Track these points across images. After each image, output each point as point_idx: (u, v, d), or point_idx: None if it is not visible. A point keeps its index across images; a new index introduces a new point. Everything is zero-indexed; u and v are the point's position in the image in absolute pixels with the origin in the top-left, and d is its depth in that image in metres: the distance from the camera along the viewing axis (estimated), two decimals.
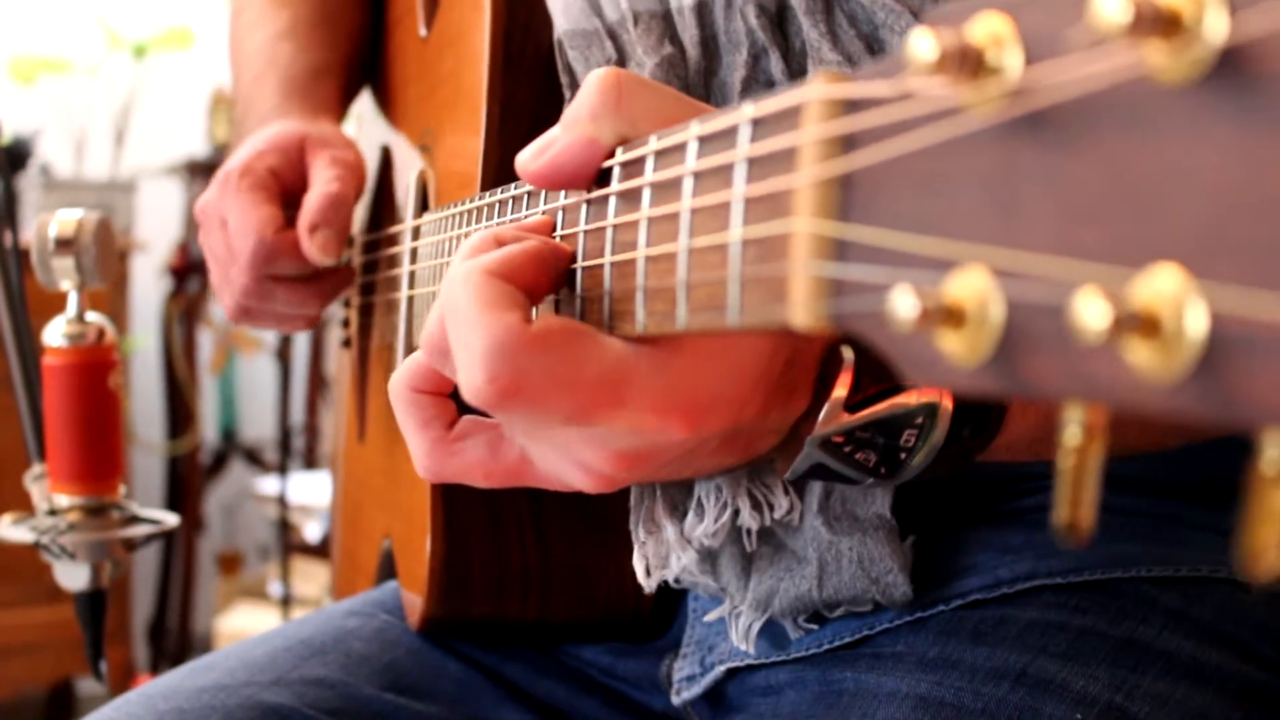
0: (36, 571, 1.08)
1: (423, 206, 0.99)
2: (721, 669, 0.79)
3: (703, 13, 0.72)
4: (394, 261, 1.01)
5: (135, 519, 0.98)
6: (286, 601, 2.87)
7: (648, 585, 0.71)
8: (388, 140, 1.16)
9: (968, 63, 0.32)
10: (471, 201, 0.76)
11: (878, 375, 0.56)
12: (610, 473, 0.54)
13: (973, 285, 0.32)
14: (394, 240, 1.02)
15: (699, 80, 0.72)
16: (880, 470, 0.58)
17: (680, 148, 0.48)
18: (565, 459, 0.55)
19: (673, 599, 0.86)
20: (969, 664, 0.69)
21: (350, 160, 0.99)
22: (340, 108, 1.12)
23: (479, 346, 0.49)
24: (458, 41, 0.90)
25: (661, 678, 0.84)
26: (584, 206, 0.57)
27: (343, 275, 1.05)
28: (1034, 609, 0.72)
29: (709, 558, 0.72)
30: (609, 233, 0.54)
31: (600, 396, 0.49)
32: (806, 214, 0.39)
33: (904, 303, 0.33)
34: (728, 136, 0.45)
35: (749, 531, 0.70)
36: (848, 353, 0.55)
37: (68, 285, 0.95)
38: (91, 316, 0.96)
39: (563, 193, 0.60)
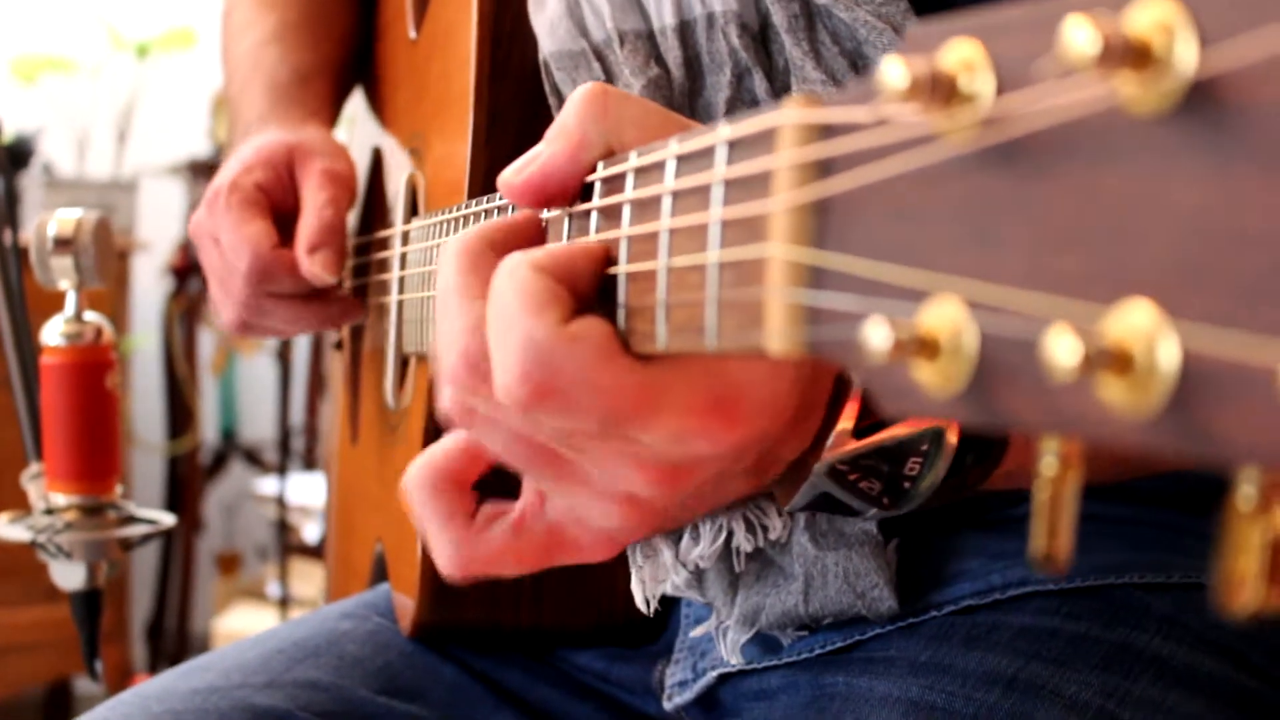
0: (34, 570, 1.08)
1: (412, 211, 0.99)
2: (714, 674, 0.79)
3: (685, 33, 0.71)
4: (384, 266, 1.01)
5: (132, 519, 0.98)
6: (285, 602, 2.87)
7: (646, 609, 0.71)
8: (379, 142, 1.16)
9: (940, 90, 0.32)
10: (459, 209, 0.76)
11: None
12: (648, 495, 0.51)
13: (947, 316, 0.32)
14: (384, 244, 1.02)
15: (684, 101, 0.71)
16: (884, 500, 0.57)
17: (659, 166, 0.48)
18: (598, 498, 0.52)
19: (665, 605, 0.86)
20: (961, 669, 0.69)
21: (341, 172, 0.99)
22: (330, 110, 1.11)
23: (515, 344, 0.47)
24: (446, 45, 0.90)
25: (654, 683, 0.84)
26: (566, 220, 0.56)
27: (348, 304, 1.04)
28: (1026, 615, 0.72)
29: (696, 574, 0.72)
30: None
31: (636, 401, 0.47)
32: (781, 239, 0.38)
33: (877, 333, 0.33)
34: (705, 156, 0.44)
35: (740, 552, 0.70)
36: (856, 378, 0.54)
37: (66, 285, 0.95)
38: (90, 316, 0.97)
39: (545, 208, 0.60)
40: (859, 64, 0.66)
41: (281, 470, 2.93)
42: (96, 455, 0.97)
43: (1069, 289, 0.29)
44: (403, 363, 0.99)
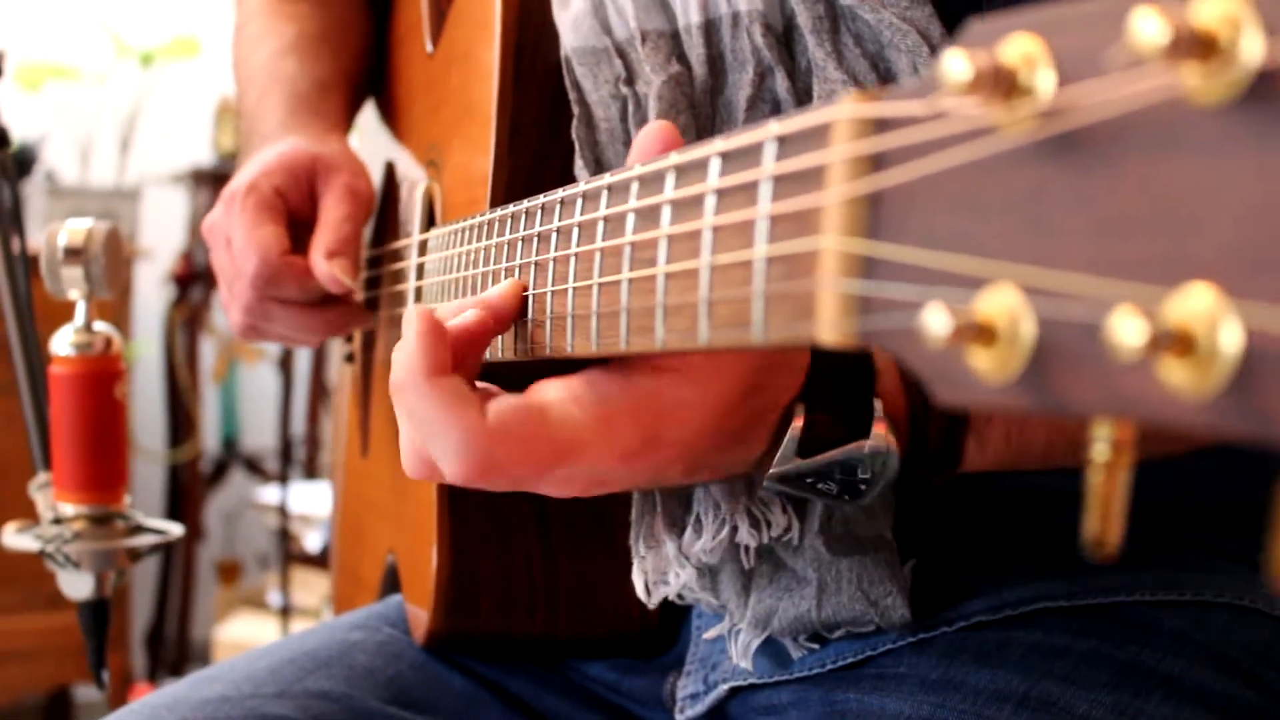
0: (36, 577, 1.08)
1: (429, 222, 0.99)
2: (724, 688, 0.79)
3: (710, 31, 0.72)
4: (399, 277, 1.01)
5: (140, 528, 0.98)
6: (285, 611, 2.87)
7: (648, 601, 0.71)
8: (391, 154, 1.16)
9: (1001, 83, 0.32)
10: (481, 216, 0.76)
11: (836, 425, 0.62)
12: (573, 494, 0.63)
13: (1004, 303, 0.33)
14: (398, 256, 1.02)
15: (705, 99, 0.72)
16: (844, 497, 0.63)
17: (702, 164, 0.48)
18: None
19: (677, 616, 0.86)
20: (972, 686, 0.69)
21: (362, 190, 0.99)
22: (346, 123, 1.11)
23: (452, 446, 0.59)
24: (466, 58, 0.90)
25: (665, 696, 0.84)
26: (601, 224, 0.57)
27: (354, 311, 1.04)
28: (1037, 631, 0.72)
29: (709, 575, 0.72)
30: (626, 250, 0.54)
31: (556, 462, 0.59)
32: (835, 231, 0.39)
33: (936, 320, 0.33)
34: (752, 154, 0.45)
35: (747, 549, 0.70)
36: (798, 409, 0.62)
37: (76, 294, 0.95)
38: (99, 326, 0.96)
39: (578, 208, 0.60)
40: (880, 66, 0.67)
41: (283, 479, 2.93)
42: (105, 465, 0.97)
43: (1130, 273, 0.30)
44: None
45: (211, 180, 3.10)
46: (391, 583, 1.02)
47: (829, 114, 0.40)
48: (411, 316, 0.61)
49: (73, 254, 0.94)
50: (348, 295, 0.99)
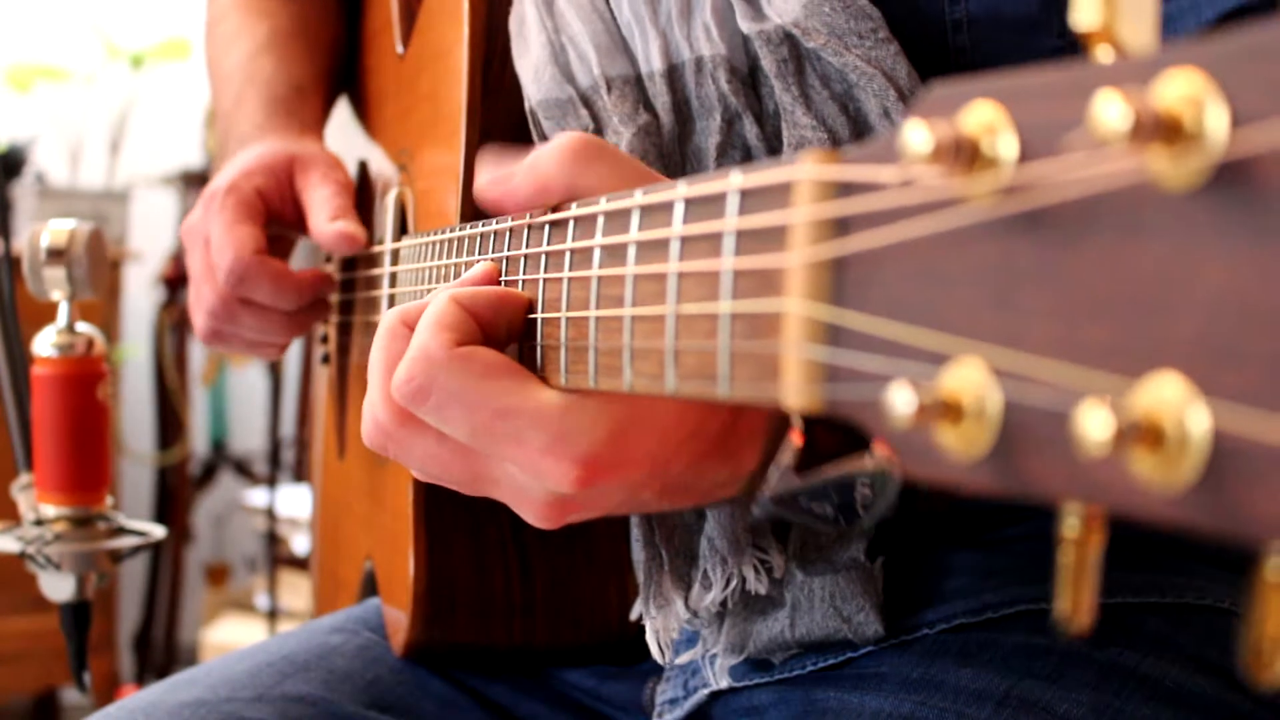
0: (22, 580, 1.07)
1: (401, 227, 0.99)
2: (705, 692, 0.78)
3: (674, 77, 0.71)
4: (373, 283, 1.00)
5: (122, 530, 0.97)
6: (273, 614, 2.87)
7: (664, 662, 0.72)
8: (364, 153, 1.15)
9: (962, 154, 0.32)
10: (451, 231, 0.76)
11: (834, 437, 0.57)
12: (537, 518, 0.59)
13: (970, 380, 0.32)
14: (373, 260, 1.02)
15: (674, 147, 0.71)
16: (838, 520, 0.58)
17: (667, 207, 0.47)
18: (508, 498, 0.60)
19: None
20: (953, 685, 0.69)
21: (341, 179, 0.99)
22: (321, 123, 1.11)
23: (411, 355, 0.55)
24: (436, 62, 0.89)
25: (645, 701, 0.84)
26: (568, 255, 0.56)
27: (317, 309, 1.04)
28: (1019, 632, 0.72)
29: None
30: (593, 284, 0.53)
31: (499, 427, 0.54)
32: (798, 295, 0.38)
33: (901, 398, 0.33)
34: (715, 203, 0.44)
35: (753, 593, 0.70)
36: (796, 419, 0.56)
37: (59, 295, 0.95)
38: (82, 327, 0.96)
39: (545, 239, 0.60)
40: (850, 107, 0.66)
41: (271, 482, 2.93)
42: (87, 467, 0.96)
43: (1097, 360, 0.29)
44: None
45: (201, 182, 3.10)
46: (371, 588, 1.02)
47: (789, 173, 0.39)
48: (442, 304, 0.58)
49: (55, 255, 0.94)
50: (326, 289, 1.00)
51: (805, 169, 0.39)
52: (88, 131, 3.22)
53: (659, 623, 0.71)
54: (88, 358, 0.96)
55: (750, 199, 0.42)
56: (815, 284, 0.38)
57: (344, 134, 1.19)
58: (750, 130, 0.68)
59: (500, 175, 0.60)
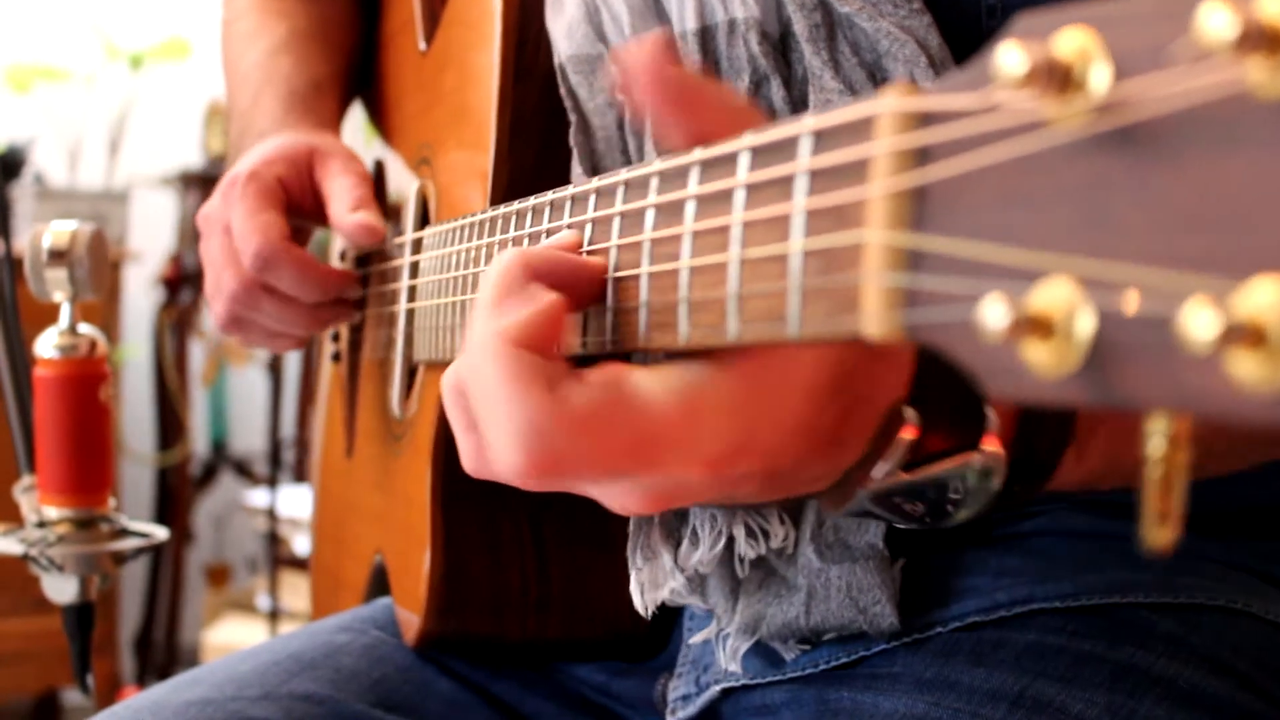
0: (24, 581, 1.07)
1: (423, 220, 0.99)
2: (717, 689, 0.78)
3: (706, 38, 0.71)
4: (390, 276, 1.00)
5: (125, 532, 0.97)
6: (274, 615, 2.87)
7: (644, 612, 0.71)
8: (380, 153, 1.16)
9: (1056, 76, 0.32)
10: (480, 215, 0.75)
11: (940, 434, 0.54)
12: (636, 512, 0.54)
13: (1060, 295, 0.32)
14: (386, 255, 1.02)
15: None
16: (925, 519, 0.57)
17: (730, 159, 0.48)
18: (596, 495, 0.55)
19: (669, 618, 0.86)
20: (966, 685, 0.69)
21: (360, 171, 0.99)
22: (338, 122, 1.11)
23: (514, 428, 0.49)
24: (462, 57, 0.90)
25: (656, 697, 0.84)
26: (617, 219, 0.55)
27: (340, 307, 1.03)
28: (1032, 632, 0.71)
29: (699, 580, 0.72)
30: (646, 246, 0.53)
31: (632, 464, 0.50)
32: (878, 225, 0.39)
33: (994, 313, 0.33)
34: (786, 148, 0.44)
35: (742, 559, 0.69)
36: (910, 414, 0.53)
37: (60, 297, 0.95)
38: (84, 328, 0.96)
39: (591, 204, 0.58)
40: (877, 76, 0.66)
41: (272, 482, 2.92)
42: (89, 468, 0.96)
43: (1196, 266, 0.30)
44: (410, 372, 0.98)
45: (201, 183, 3.10)
46: (379, 583, 1.02)
47: (872, 108, 0.40)
48: (508, 264, 0.53)
49: (57, 256, 0.94)
50: (350, 289, 1.00)
51: (888, 102, 0.39)
52: (87, 132, 3.22)
53: (644, 575, 0.70)
54: (90, 359, 0.95)
55: (825, 139, 0.43)
56: (896, 213, 0.38)
57: (353, 140, 1.20)
58: (777, 93, 0.69)
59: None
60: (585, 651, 0.88)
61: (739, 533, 0.67)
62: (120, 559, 0.97)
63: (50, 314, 0.95)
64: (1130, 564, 0.74)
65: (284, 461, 3.28)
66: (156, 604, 3.25)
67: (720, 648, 0.74)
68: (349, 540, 1.14)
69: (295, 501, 3.02)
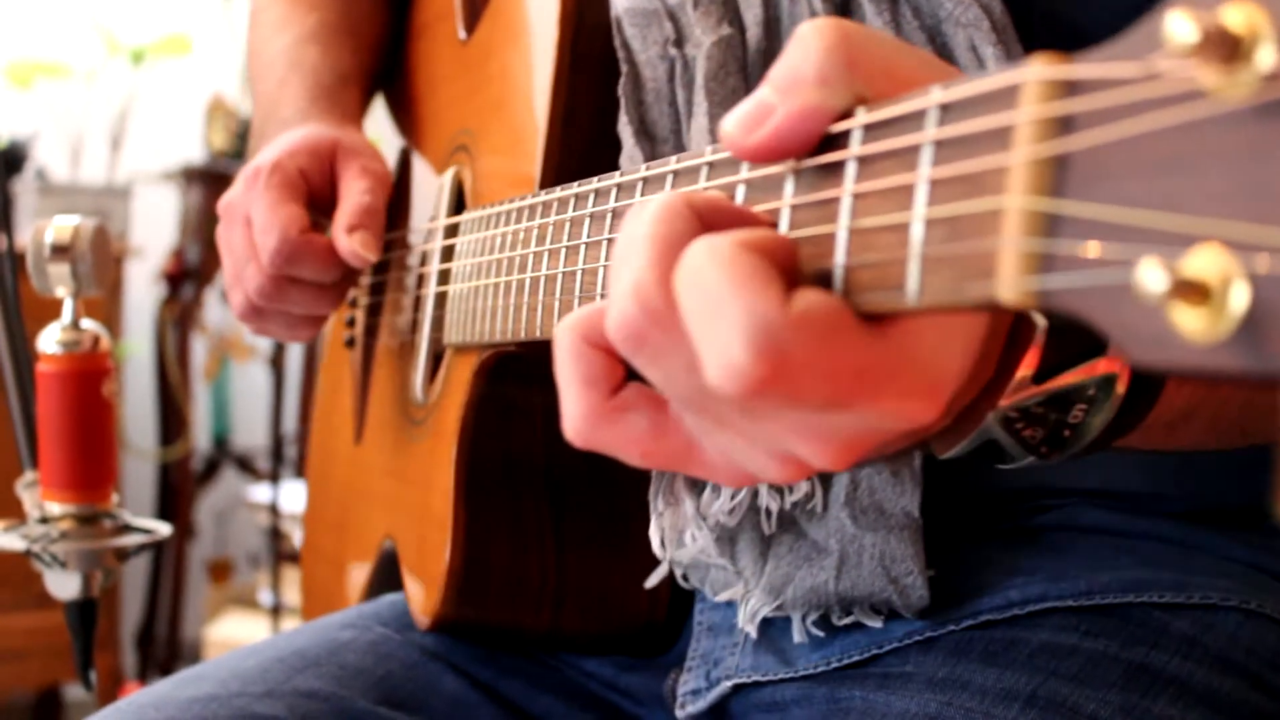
0: (25, 576, 1.07)
1: (457, 206, 0.99)
2: (728, 684, 0.78)
3: None
4: (415, 259, 1.01)
5: (128, 528, 0.97)
6: (276, 610, 2.86)
7: (662, 558, 0.70)
8: (405, 142, 1.17)
9: (1225, 47, 0.32)
10: (527, 198, 0.75)
11: (1059, 347, 0.52)
12: (822, 464, 0.48)
13: (1215, 262, 0.32)
14: (406, 243, 1.02)
15: (758, 59, 0.72)
16: (1041, 449, 0.54)
17: (844, 134, 0.46)
18: (761, 449, 0.49)
19: (680, 614, 0.86)
20: (979, 685, 0.69)
21: (380, 172, 0.99)
22: (362, 115, 1.12)
23: (743, 325, 0.43)
24: (511, 43, 0.91)
25: (666, 692, 0.84)
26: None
27: (351, 275, 1.03)
28: (1045, 631, 0.71)
29: (728, 541, 0.71)
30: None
31: (859, 386, 0.44)
32: (1018, 191, 0.39)
33: (1152, 276, 0.33)
34: (912, 120, 0.44)
35: (768, 513, 0.69)
36: (1040, 319, 0.51)
37: (63, 292, 0.94)
38: (87, 324, 0.96)
39: (668, 185, 0.55)
40: (936, 41, 0.66)
41: (274, 478, 2.92)
42: (92, 464, 0.96)
43: None
44: (435, 356, 0.98)
45: (202, 178, 3.09)
46: (385, 570, 1.02)
47: (1015, 76, 0.40)
48: (674, 201, 0.48)
49: (60, 251, 0.93)
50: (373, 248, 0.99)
51: (1034, 70, 0.39)
52: (88, 127, 3.21)
53: (665, 519, 0.70)
54: (93, 354, 0.95)
55: (954, 110, 0.42)
56: (1037, 180, 0.38)
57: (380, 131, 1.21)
58: None
59: (752, 113, 0.48)
60: (597, 646, 0.88)
61: (762, 485, 0.67)
62: (123, 555, 0.97)
63: (51, 309, 0.94)
64: (1145, 563, 0.73)
65: (286, 457, 3.28)
66: (158, 599, 3.25)
67: (742, 607, 0.74)
68: (354, 527, 1.14)
69: (297, 497, 3.02)
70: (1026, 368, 0.51)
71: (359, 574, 1.10)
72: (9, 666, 2.78)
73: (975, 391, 0.52)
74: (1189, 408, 0.60)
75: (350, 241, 0.94)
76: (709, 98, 0.72)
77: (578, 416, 0.51)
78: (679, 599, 0.86)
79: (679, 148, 0.75)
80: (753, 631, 0.74)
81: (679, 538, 0.70)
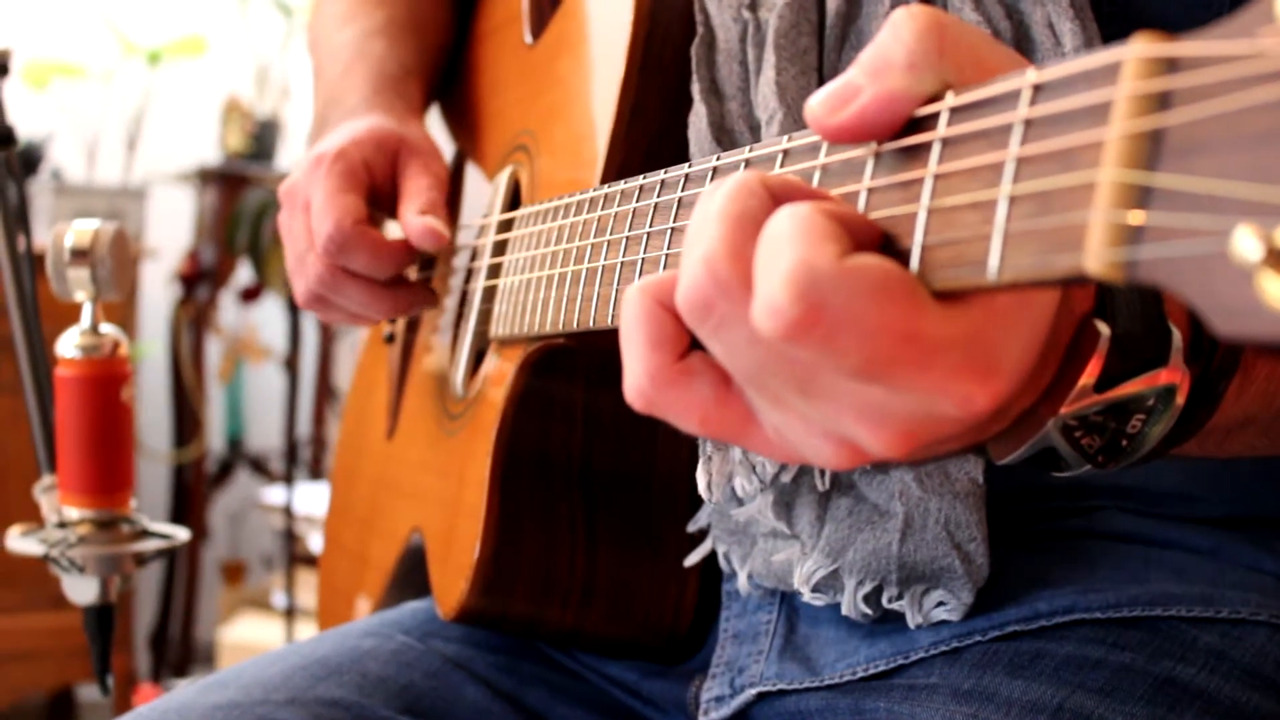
0: (40, 578, 1.07)
1: (512, 204, 1.00)
2: (752, 692, 0.78)
3: None
4: (464, 256, 1.02)
5: (145, 533, 0.97)
6: (290, 612, 2.86)
7: (708, 497, 0.70)
8: (457, 152, 1.19)
9: None
10: (595, 190, 0.75)
11: (1122, 357, 0.52)
12: (875, 451, 0.47)
13: None
14: (454, 241, 1.03)
15: (836, 23, 0.72)
16: (1099, 458, 0.54)
17: (933, 117, 0.46)
18: (816, 431, 0.48)
19: (705, 621, 0.85)
20: (1005, 697, 0.69)
21: (441, 173, 0.99)
22: (424, 110, 1.12)
23: (787, 266, 0.43)
24: (578, 46, 0.93)
25: (689, 699, 0.83)
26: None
27: (419, 292, 1.02)
28: (1071, 643, 0.71)
29: (784, 504, 0.71)
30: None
31: (905, 353, 0.43)
32: (1111, 164, 0.39)
33: (1248, 245, 0.33)
34: (1005, 100, 0.43)
35: (822, 471, 0.68)
36: (1103, 328, 0.51)
37: (82, 296, 0.94)
38: (106, 328, 0.95)
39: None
40: (1015, 13, 0.67)
41: (288, 479, 2.92)
42: (110, 469, 0.95)
43: None
44: (478, 351, 0.98)
45: (218, 179, 3.10)
46: (410, 564, 1.02)
47: (1118, 54, 0.40)
48: (748, 179, 0.48)
49: (79, 255, 0.93)
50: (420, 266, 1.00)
51: (1135, 49, 0.40)
52: (104, 128, 3.22)
53: (714, 464, 0.70)
54: (112, 359, 0.95)
55: (1047, 90, 0.42)
56: (1131, 153, 0.39)
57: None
58: None
59: (839, 93, 0.48)
60: (617, 650, 0.87)
61: None
62: (141, 560, 0.96)
63: (72, 311, 0.94)
64: (1174, 576, 0.73)
65: (300, 459, 3.28)
66: (172, 601, 3.25)
67: (798, 568, 0.73)
68: (382, 519, 1.14)
69: (311, 499, 3.02)
70: (1088, 376, 0.51)
71: (382, 567, 1.10)
72: (23, 667, 2.78)
73: (1035, 396, 0.52)
74: (1246, 417, 0.59)
75: (425, 220, 0.94)
76: (778, 54, 0.73)
77: (643, 375, 0.51)
78: (702, 610, 0.85)
79: (745, 105, 0.77)
80: (806, 593, 0.72)
81: (725, 484, 0.70)
